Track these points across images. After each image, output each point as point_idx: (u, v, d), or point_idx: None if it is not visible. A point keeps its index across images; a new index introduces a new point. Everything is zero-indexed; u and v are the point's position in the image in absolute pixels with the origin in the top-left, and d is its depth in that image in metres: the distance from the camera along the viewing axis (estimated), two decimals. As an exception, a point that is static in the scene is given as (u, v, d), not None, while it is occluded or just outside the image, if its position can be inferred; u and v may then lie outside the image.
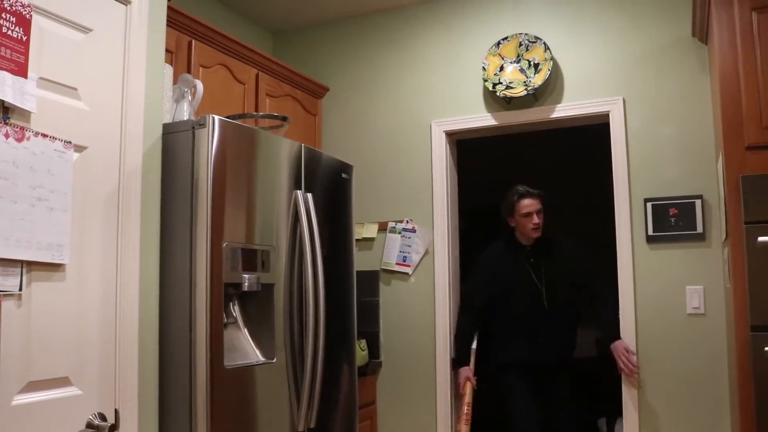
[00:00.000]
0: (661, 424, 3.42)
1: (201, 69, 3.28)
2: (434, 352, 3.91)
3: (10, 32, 1.87)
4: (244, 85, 3.55)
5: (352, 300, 3.15)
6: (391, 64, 4.19)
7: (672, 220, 3.44)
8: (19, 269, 1.85)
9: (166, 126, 2.41)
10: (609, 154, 3.64)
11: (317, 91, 4.17)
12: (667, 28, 3.56)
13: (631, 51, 3.64)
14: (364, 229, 4.02)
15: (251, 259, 2.47)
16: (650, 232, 3.49)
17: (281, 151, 2.72)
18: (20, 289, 1.85)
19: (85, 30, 2.14)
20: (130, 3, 2.31)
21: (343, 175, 3.13)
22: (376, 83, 4.22)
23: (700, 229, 3.39)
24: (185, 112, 2.78)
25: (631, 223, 3.54)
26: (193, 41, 3.25)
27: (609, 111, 3.64)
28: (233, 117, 2.86)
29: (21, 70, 1.90)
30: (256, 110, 3.59)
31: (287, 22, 4.42)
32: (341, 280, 3.04)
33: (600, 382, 5.18)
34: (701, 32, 3.36)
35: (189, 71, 3.20)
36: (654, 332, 3.47)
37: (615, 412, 4.44)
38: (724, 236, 3.04)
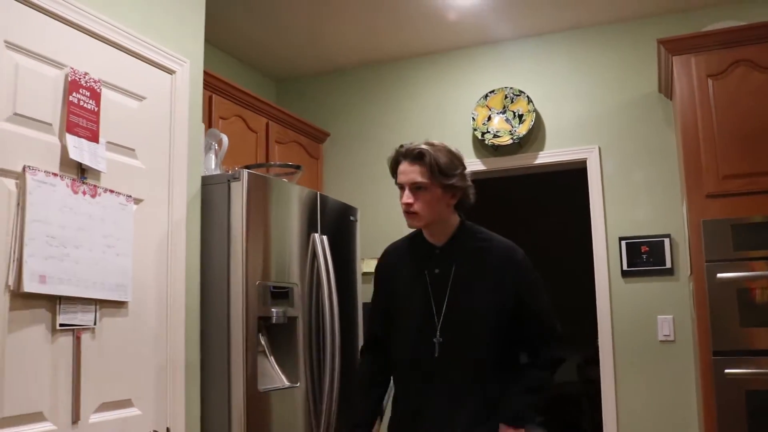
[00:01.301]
0: (636, 441, 3.78)
1: (220, 120, 3.63)
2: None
3: (86, 105, 2.22)
4: (257, 133, 3.90)
5: (358, 329, 3.49)
6: (388, 112, 4.57)
7: (644, 257, 3.82)
8: (93, 307, 2.18)
9: (204, 178, 2.76)
10: (586, 195, 4.03)
11: (319, 136, 4.53)
12: (637, 84, 3.98)
13: (604, 104, 4.05)
14: (365, 264, 4.35)
15: (278, 295, 2.81)
16: (625, 267, 3.87)
17: (298, 198, 3.07)
18: (94, 324, 2.18)
19: (140, 98, 2.49)
20: (174, 72, 2.66)
21: (351, 218, 3.49)
22: (373, 129, 4.59)
23: (668, 264, 3.78)
24: (213, 163, 3.12)
25: (608, 259, 3.92)
26: (213, 95, 3.60)
27: (586, 158, 4.04)
28: (253, 166, 3.22)
29: (94, 137, 2.24)
30: (267, 155, 3.94)
31: (290, 71, 4.79)
32: (349, 312, 3.38)
33: (579, 404, 5.54)
34: (666, 89, 3.78)
35: (210, 122, 3.54)
36: (629, 357, 3.83)
37: (597, 431, 4.78)
38: (689, 272, 3.43)
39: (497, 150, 4.23)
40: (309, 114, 4.63)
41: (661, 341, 3.78)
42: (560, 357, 2.16)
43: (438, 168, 2.05)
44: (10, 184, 1.97)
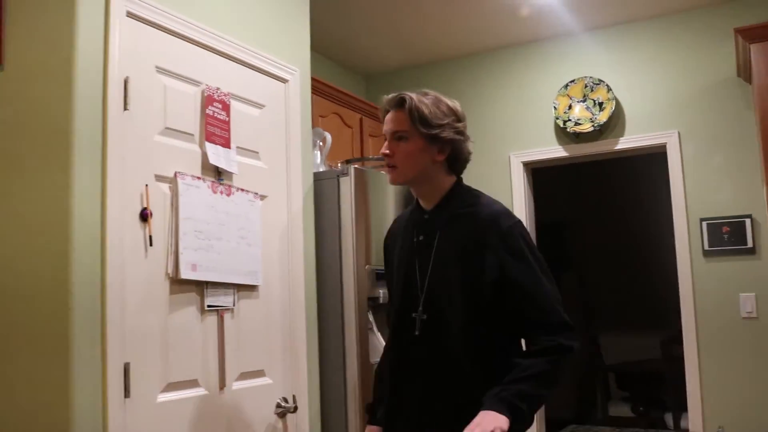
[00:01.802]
0: (724, 415, 3.93)
1: (319, 118, 3.95)
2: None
3: (219, 116, 2.56)
4: (352, 128, 4.22)
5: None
6: (472, 103, 4.80)
7: (725, 237, 3.97)
8: (232, 290, 2.53)
9: (315, 174, 3.09)
10: (666, 178, 4.19)
11: (408, 129, 4.81)
12: (715, 69, 4.10)
13: (683, 90, 4.19)
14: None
15: (383, 277, 3.11)
16: (706, 247, 4.03)
17: (393, 187, 3.36)
18: (233, 305, 2.53)
19: (260, 106, 2.82)
20: (287, 81, 2.98)
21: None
22: (458, 121, 4.84)
23: (750, 243, 3.92)
24: (318, 159, 3.44)
25: (689, 240, 4.08)
26: (313, 95, 3.92)
27: (666, 143, 4.19)
28: (354, 160, 3.54)
29: (227, 143, 2.59)
30: (362, 149, 4.25)
31: (378, 67, 5.09)
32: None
33: (664, 380, 5.69)
34: (745, 74, 3.89)
35: (311, 120, 3.87)
36: (712, 333, 3.99)
37: (680, 407, 4.94)
38: (770, 250, 3.57)
39: (578, 137, 4.42)
40: (397, 107, 4.91)
41: (743, 318, 3.93)
42: (561, 344, 1.79)
43: (419, 115, 1.85)
44: (165, 188, 2.33)
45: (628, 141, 4.32)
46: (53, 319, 2.01)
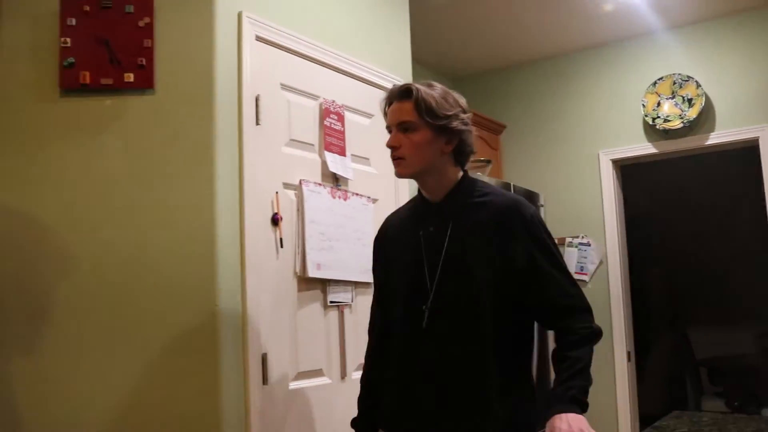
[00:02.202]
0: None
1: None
2: (612, 346, 4.56)
3: (335, 126, 2.78)
4: (445, 132, 4.39)
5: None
6: (560, 103, 4.92)
7: (822, 229, 3.98)
8: (351, 287, 2.74)
9: (419, 178, 3.27)
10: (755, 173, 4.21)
11: (497, 129, 4.96)
12: (809, 62, 4.11)
13: (775, 83, 4.21)
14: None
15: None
16: (802, 240, 4.04)
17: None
18: (351, 301, 2.74)
19: (369, 115, 3.03)
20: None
21: (540, 204, 3.91)
22: (547, 120, 4.96)
23: None
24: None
25: (784, 233, 4.10)
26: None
27: (758, 137, 4.21)
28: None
29: (342, 151, 2.80)
30: (455, 152, 4.42)
31: (465, 69, 5.24)
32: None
33: (758, 374, 5.65)
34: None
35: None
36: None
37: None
38: None
39: (668, 134, 4.48)
40: (485, 109, 5.06)
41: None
42: (594, 330, 1.81)
43: (425, 106, 1.80)
44: (291, 194, 2.56)
45: (718, 136, 4.35)
46: (202, 315, 2.25)
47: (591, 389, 1.72)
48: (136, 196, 2.27)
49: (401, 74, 3.25)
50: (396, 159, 1.85)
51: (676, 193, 6.68)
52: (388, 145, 1.86)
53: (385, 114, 1.91)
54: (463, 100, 1.89)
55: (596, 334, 1.81)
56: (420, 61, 5.01)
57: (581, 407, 1.68)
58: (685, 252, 6.94)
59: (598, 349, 4.32)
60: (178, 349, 2.26)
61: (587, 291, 4.63)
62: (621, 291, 4.60)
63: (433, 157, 1.83)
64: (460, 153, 1.88)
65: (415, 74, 3.56)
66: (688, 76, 4.42)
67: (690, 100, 4.39)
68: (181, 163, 2.31)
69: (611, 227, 4.65)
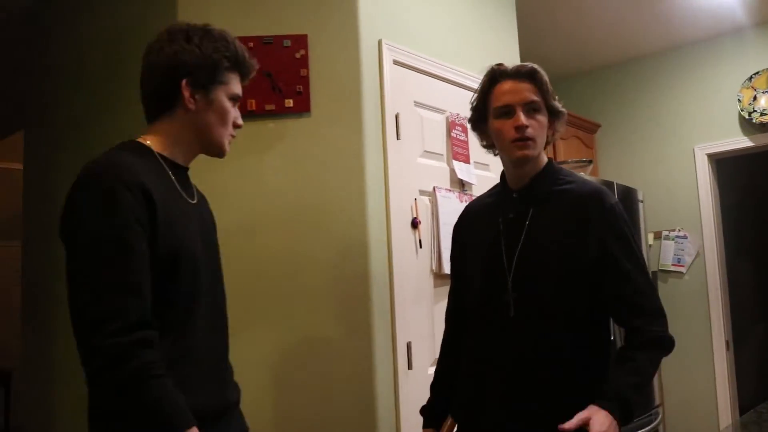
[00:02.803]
0: None
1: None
2: (710, 336, 4.72)
3: (460, 137, 3.07)
4: (544, 133, 4.62)
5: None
6: (654, 101, 5.09)
7: None
8: (478, 282, 3.02)
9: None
10: None
11: (591, 128, 5.16)
12: None
13: None
14: (650, 237, 4.93)
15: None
16: None
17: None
18: (479, 294, 3.03)
19: (486, 125, 3.29)
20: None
21: (639, 199, 4.11)
22: (641, 118, 5.13)
23: None
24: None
25: None
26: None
27: None
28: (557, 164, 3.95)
29: (467, 159, 3.09)
30: (554, 152, 4.65)
31: (560, 71, 5.45)
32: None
33: None
34: None
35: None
36: None
37: None
38: None
39: (764, 127, 4.60)
40: (578, 108, 5.27)
41: None
42: (667, 337, 1.74)
43: (549, 89, 1.80)
44: (426, 200, 2.86)
45: (816, 128, 4.47)
46: (358, 306, 2.58)
47: (690, 378, 1.72)
48: (300, 204, 2.61)
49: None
50: (526, 140, 1.77)
51: (769, 185, 6.70)
52: (519, 125, 1.76)
53: (484, 94, 1.86)
54: None
55: (669, 341, 1.74)
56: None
57: (627, 412, 1.62)
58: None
59: (698, 338, 4.47)
60: (337, 337, 2.59)
61: (684, 282, 4.81)
62: (718, 282, 4.74)
63: (545, 140, 1.84)
64: (549, 138, 1.87)
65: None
66: (784, 70, 4.54)
67: (786, 94, 4.51)
68: (336, 175, 2.63)
69: (708, 220, 4.80)
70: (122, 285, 1.35)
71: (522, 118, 1.76)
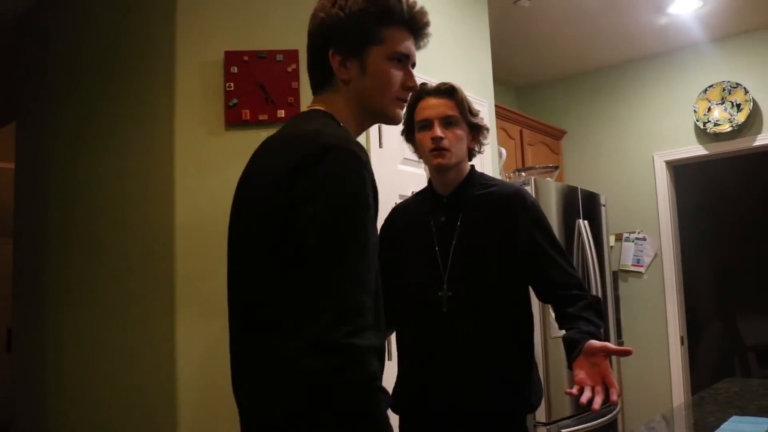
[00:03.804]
0: None
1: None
2: (666, 332, 5.03)
3: (436, 145, 3.29)
4: (514, 140, 4.89)
5: (608, 291, 4.41)
6: (617, 110, 5.39)
7: None
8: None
9: (501, 185, 3.79)
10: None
11: (558, 134, 5.44)
12: None
13: (818, 90, 4.63)
14: (612, 239, 5.22)
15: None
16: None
17: (558, 191, 4.00)
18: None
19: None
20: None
21: (602, 204, 4.39)
22: (605, 125, 5.43)
23: None
24: (498, 169, 4.13)
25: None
26: (481, 114, 4.62)
27: (802, 138, 4.64)
28: (525, 170, 4.22)
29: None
30: (523, 158, 4.91)
31: (528, 80, 5.74)
32: (603, 278, 4.30)
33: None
34: None
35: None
36: None
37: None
38: None
39: (718, 137, 4.92)
40: (545, 116, 5.55)
41: None
42: (599, 301, 1.98)
43: (467, 104, 2.03)
44: (406, 203, 3.08)
45: (765, 138, 4.79)
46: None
47: (648, 371, 1.93)
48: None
49: (484, 95, 3.76)
50: (440, 150, 1.98)
51: (724, 190, 7.05)
52: (434, 137, 1.97)
53: (411, 111, 2.06)
54: None
55: (600, 303, 1.96)
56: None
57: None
58: (732, 244, 7.32)
59: (655, 333, 4.78)
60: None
61: (643, 282, 5.11)
62: (674, 281, 5.06)
63: (465, 151, 2.05)
64: (473, 150, 2.09)
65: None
66: (737, 83, 4.85)
67: (738, 105, 4.82)
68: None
69: (665, 223, 5.11)
70: (366, 281, 1.23)
71: (438, 130, 1.98)
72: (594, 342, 1.76)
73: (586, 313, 1.88)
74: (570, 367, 1.79)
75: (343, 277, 1.19)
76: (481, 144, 2.10)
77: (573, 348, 1.80)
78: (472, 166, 2.13)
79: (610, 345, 1.76)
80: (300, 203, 1.22)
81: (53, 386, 3.49)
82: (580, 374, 1.73)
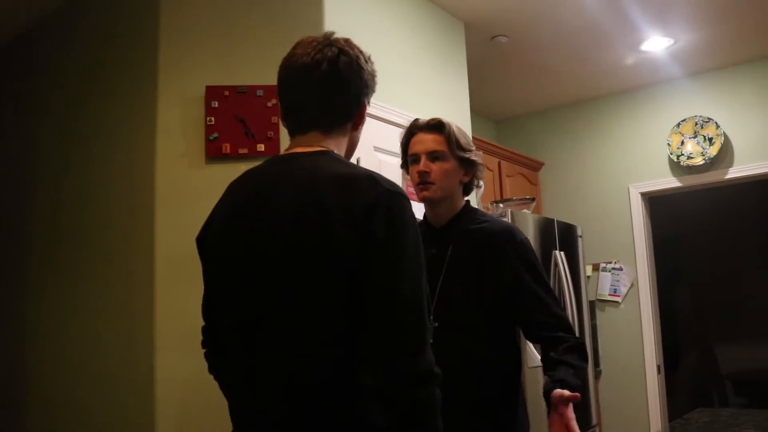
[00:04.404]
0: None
1: (466, 165, 4.72)
2: (643, 361, 5.09)
3: (414, 178, 3.36)
4: (492, 171, 4.97)
5: (585, 320, 4.46)
6: (593, 142, 5.50)
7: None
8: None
9: (478, 217, 3.86)
10: None
11: (535, 166, 5.53)
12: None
13: (787, 124, 4.76)
14: (589, 269, 5.30)
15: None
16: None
17: (535, 223, 4.08)
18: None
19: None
20: (454, 144, 3.77)
21: (579, 235, 4.47)
22: (582, 157, 5.54)
23: None
24: (474, 200, 4.21)
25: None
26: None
27: (772, 171, 4.76)
28: (503, 201, 4.29)
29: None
30: (501, 189, 4.99)
31: (506, 113, 5.85)
32: (580, 306, 4.36)
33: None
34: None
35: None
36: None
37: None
38: None
39: (691, 169, 5.03)
40: (524, 147, 5.64)
41: None
42: (582, 342, 1.96)
43: (455, 139, 2.05)
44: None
45: (737, 171, 4.91)
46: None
47: (626, 399, 1.90)
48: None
49: (463, 126, 3.83)
50: (425, 183, 2.05)
51: (699, 221, 7.17)
52: (419, 171, 2.04)
53: (405, 145, 2.14)
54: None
55: (583, 345, 1.96)
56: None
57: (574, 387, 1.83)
58: (708, 274, 7.42)
59: (632, 362, 4.82)
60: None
61: (620, 311, 5.18)
62: (651, 310, 5.13)
63: (454, 184, 2.08)
64: (470, 184, 2.15)
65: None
66: (709, 118, 4.98)
67: (710, 139, 4.94)
68: (302, 214, 2.89)
69: (641, 253, 5.20)
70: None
71: (423, 165, 2.04)
72: (555, 392, 1.80)
73: (568, 357, 1.89)
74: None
75: (421, 311, 1.33)
76: (477, 178, 2.14)
77: (546, 399, 1.84)
78: (467, 201, 2.16)
79: (565, 392, 1.79)
80: (377, 240, 1.32)
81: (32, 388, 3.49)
82: (551, 429, 1.79)
